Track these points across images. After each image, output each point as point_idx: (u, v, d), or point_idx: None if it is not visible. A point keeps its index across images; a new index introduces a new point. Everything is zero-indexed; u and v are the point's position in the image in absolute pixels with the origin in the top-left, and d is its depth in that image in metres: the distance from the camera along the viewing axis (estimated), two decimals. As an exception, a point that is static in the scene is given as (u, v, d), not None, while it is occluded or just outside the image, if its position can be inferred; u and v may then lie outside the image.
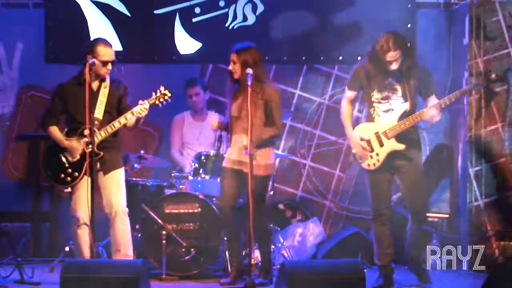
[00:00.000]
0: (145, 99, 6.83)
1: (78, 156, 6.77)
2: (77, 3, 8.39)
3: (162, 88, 6.89)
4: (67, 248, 7.55)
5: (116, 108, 6.91)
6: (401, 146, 6.68)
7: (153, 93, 6.87)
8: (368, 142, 6.74)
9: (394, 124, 6.67)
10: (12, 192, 8.59)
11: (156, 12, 8.43)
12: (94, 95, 6.81)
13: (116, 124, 6.79)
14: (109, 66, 6.84)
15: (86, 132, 6.64)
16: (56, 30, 8.42)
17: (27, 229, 8.44)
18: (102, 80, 6.87)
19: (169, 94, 6.88)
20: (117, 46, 8.37)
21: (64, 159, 6.83)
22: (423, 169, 6.87)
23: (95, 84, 6.85)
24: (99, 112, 6.82)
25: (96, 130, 6.72)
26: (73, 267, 5.85)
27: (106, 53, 6.81)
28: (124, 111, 6.86)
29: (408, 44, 6.76)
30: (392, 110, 6.71)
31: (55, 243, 8.41)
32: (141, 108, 6.76)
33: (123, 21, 8.42)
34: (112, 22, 8.42)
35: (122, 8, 8.43)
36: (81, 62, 6.74)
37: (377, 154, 6.73)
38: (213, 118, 7.28)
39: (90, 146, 6.48)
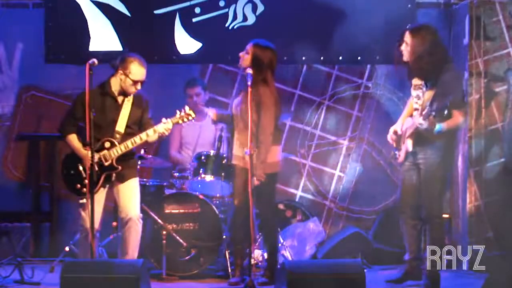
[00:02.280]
0: (169, 118, 6.81)
1: (96, 167, 6.66)
2: (77, 3, 8.39)
3: (187, 108, 6.88)
4: (67, 248, 7.55)
5: (137, 123, 6.89)
6: (409, 148, 6.70)
7: (178, 112, 6.85)
8: (399, 136, 6.83)
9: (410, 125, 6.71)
10: (12, 192, 8.58)
11: (156, 12, 8.43)
12: (118, 108, 6.81)
13: (137, 139, 6.78)
14: (139, 86, 6.80)
15: (107, 144, 6.67)
16: (56, 30, 8.42)
17: (27, 229, 8.42)
18: (128, 95, 6.86)
19: (193, 115, 6.88)
20: (117, 46, 8.38)
21: (82, 170, 6.80)
22: (443, 174, 6.76)
23: (120, 98, 6.83)
24: (121, 126, 6.80)
25: (117, 143, 6.75)
26: (73, 267, 5.85)
27: (138, 73, 6.76)
28: (145, 126, 6.86)
29: (435, 43, 6.69)
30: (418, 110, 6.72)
31: (55, 243, 8.40)
32: (165, 128, 6.78)
33: (123, 21, 8.42)
34: (112, 22, 8.42)
35: (122, 8, 8.43)
36: (85, 62, 6.52)
37: (400, 149, 6.84)
38: (212, 110, 7.21)
39: (89, 145, 6.46)
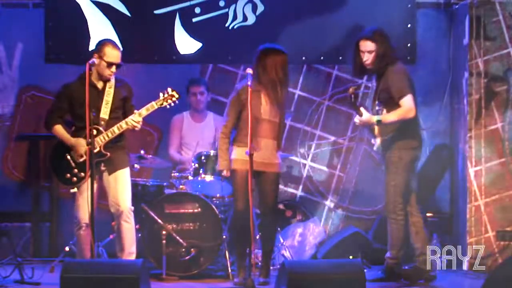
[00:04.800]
0: (153, 101, 6.81)
1: (84, 156, 6.71)
2: (77, 3, 8.39)
3: (169, 89, 6.85)
4: (67, 248, 7.55)
5: (121, 108, 6.90)
6: (376, 146, 7.12)
7: (161, 94, 6.84)
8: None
9: None
10: (12, 192, 8.58)
11: (156, 12, 8.43)
12: (100, 95, 6.82)
13: (123, 125, 6.76)
14: (114, 69, 6.80)
15: (93, 132, 6.66)
16: (56, 30, 8.42)
17: (27, 229, 8.43)
18: (107, 80, 6.86)
19: (177, 96, 6.84)
20: (117, 46, 8.39)
21: (70, 159, 6.81)
22: (399, 170, 6.96)
23: (100, 84, 6.85)
24: (105, 112, 6.80)
25: (103, 130, 6.74)
26: (73, 267, 5.85)
27: (112, 55, 6.78)
28: (129, 112, 6.85)
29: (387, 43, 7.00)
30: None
31: (55, 243, 8.41)
32: (149, 110, 6.76)
33: (123, 21, 8.42)
34: (112, 22, 8.42)
35: (122, 8, 8.43)
36: (85, 62, 6.59)
37: (376, 137, 7.19)
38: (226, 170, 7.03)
39: (90, 145, 6.45)
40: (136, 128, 6.81)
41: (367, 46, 6.96)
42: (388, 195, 7.00)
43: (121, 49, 6.91)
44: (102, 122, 6.78)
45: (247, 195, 6.81)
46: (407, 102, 6.84)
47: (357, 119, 7.02)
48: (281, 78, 6.90)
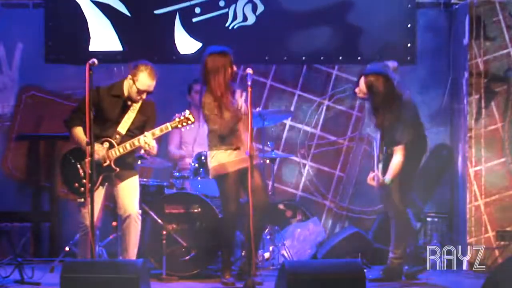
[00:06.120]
0: (167, 122, 6.73)
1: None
2: (77, 3, 8.40)
3: (187, 112, 6.75)
4: (67, 248, 7.56)
5: (140, 129, 6.79)
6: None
7: (177, 115, 6.75)
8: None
9: None
10: (12, 192, 8.59)
11: (156, 12, 8.44)
12: (125, 110, 6.76)
13: (136, 142, 6.68)
14: (144, 96, 6.73)
15: (105, 145, 6.63)
16: (56, 30, 8.43)
17: (27, 229, 8.43)
18: (135, 101, 6.79)
19: (192, 120, 6.73)
20: (117, 46, 8.39)
21: (80, 169, 6.76)
22: (408, 171, 7.03)
23: (128, 101, 6.78)
24: (123, 127, 6.74)
25: (115, 144, 6.71)
26: (73, 267, 5.85)
27: (144, 84, 6.70)
28: None
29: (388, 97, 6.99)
30: None
31: (55, 243, 8.41)
32: (164, 132, 6.71)
33: (123, 21, 8.43)
34: (112, 22, 8.43)
35: (122, 8, 8.44)
36: (85, 62, 6.37)
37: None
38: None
39: (89, 145, 6.42)
40: (151, 152, 6.72)
41: (360, 83, 7.04)
42: (398, 197, 7.00)
43: (156, 76, 6.75)
44: (118, 136, 6.73)
45: (238, 196, 6.88)
46: (400, 152, 6.93)
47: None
48: (233, 77, 6.87)
